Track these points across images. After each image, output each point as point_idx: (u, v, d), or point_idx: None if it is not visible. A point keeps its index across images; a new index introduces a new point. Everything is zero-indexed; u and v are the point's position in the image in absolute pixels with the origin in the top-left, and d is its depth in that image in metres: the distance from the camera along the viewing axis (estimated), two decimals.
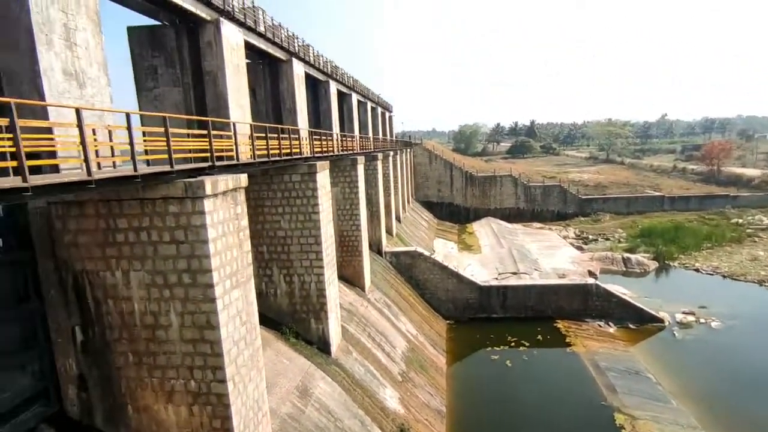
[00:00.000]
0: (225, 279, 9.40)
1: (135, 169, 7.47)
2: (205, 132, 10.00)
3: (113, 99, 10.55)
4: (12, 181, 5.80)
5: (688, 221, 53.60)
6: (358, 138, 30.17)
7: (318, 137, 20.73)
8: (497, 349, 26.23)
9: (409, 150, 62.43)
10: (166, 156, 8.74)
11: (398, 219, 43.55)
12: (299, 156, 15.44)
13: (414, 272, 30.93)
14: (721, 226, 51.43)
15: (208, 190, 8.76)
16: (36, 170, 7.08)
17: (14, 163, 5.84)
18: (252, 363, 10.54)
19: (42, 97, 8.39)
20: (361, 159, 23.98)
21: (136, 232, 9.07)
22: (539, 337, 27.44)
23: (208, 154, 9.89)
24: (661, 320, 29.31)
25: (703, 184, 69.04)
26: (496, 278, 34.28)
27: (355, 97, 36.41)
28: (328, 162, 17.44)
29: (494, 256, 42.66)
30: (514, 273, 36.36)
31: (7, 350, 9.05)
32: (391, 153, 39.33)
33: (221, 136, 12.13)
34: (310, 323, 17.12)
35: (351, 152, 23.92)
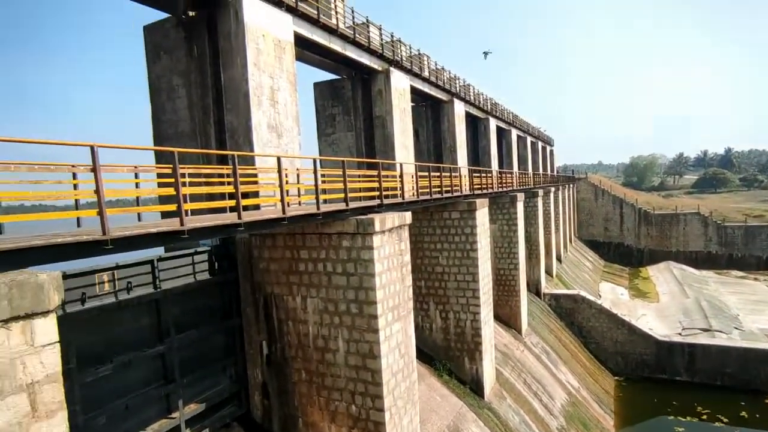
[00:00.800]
0: (388, 311, 9.87)
1: (318, 208, 8.48)
2: (375, 173, 10.87)
3: (301, 145, 12.28)
4: (231, 218, 7.09)
5: None
6: (517, 174, 29.30)
7: (477, 174, 20.79)
8: (682, 420, 21.97)
9: (571, 185, 58.20)
10: (340, 195, 9.74)
11: (559, 259, 40.46)
12: (459, 194, 15.65)
13: (576, 318, 28.12)
14: None
15: (377, 227, 9.42)
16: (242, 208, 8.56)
17: (233, 203, 7.15)
18: (408, 396, 10.72)
19: (252, 148, 10.19)
20: (520, 196, 23.18)
21: (315, 263, 10.17)
22: (743, 413, 22.18)
23: (377, 193, 10.69)
24: None
25: None
26: (680, 333, 29.04)
27: (514, 133, 35.77)
28: (487, 199, 17.29)
29: (677, 306, 36.34)
30: (705, 330, 30.32)
31: (214, 357, 10.86)
32: (552, 189, 37.15)
33: (387, 176, 13.04)
34: (463, 362, 16.77)
35: (510, 189, 23.33)
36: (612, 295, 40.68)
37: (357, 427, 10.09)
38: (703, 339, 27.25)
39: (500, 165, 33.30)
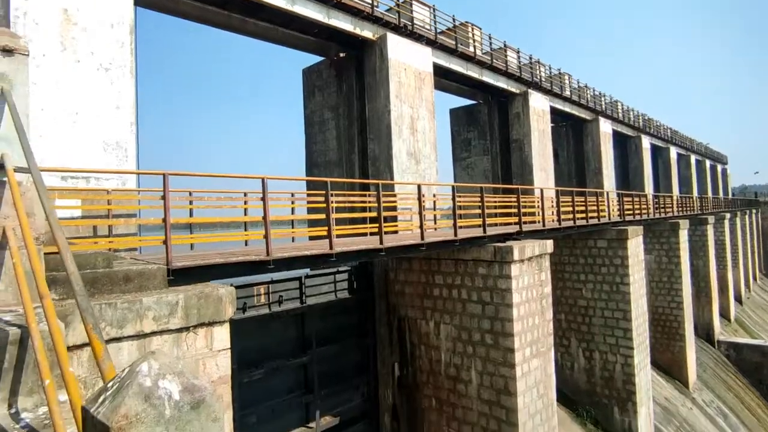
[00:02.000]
0: (526, 346, 9.27)
1: (455, 234, 8.43)
2: (513, 197, 10.46)
3: (438, 171, 12.46)
4: (374, 243, 7.43)
5: None
6: (677, 197, 25.49)
7: (628, 198, 18.65)
8: None
9: (754, 211, 48.52)
10: (478, 221, 9.55)
11: (739, 300, 33.71)
12: (606, 221, 14.15)
13: (765, 375, 22.91)
14: None
15: (516, 256, 8.99)
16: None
17: (374, 227, 7.51)
18: None
19: (392, 174, 10.65)
20: (684, 223, 19.99)
21: (449, 289, 10.09)
22: None
23: (516, 219, 10.25)
24: None
25: None
26: None
27: (673, 150, 31.47)
28: (641, 227, 15.35)
29: None
30: None
31: (349, 374, 11.37)
32: (727, 215, 31.38)
33: (526, 203, 12.45)
34: (612, 411, 14.82)
35: (670, 215, 20.37)
36: None
37: None
38: None
39: (656, 188, 29.43)
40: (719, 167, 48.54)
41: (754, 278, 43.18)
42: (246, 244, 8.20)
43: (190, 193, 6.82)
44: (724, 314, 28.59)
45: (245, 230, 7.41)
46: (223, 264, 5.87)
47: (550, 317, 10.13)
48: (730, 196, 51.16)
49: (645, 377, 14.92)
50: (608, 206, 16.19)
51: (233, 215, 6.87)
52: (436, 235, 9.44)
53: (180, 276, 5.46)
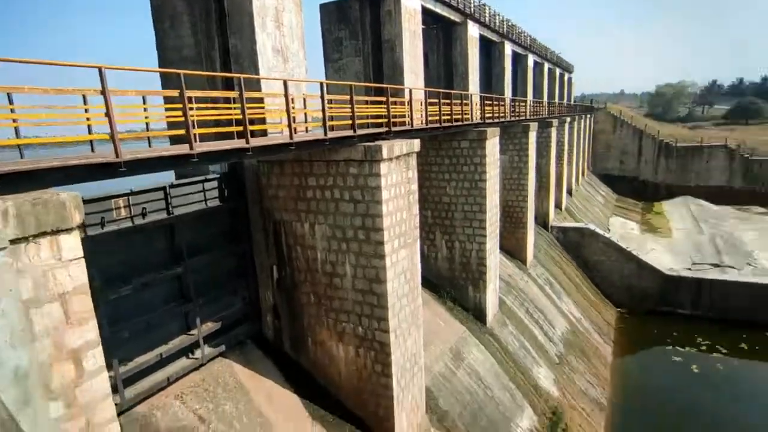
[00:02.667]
0: (394, 238, 10.09)
1: (325, 134, 8.41)
2: (383, 99, 10.61)
3: (307, 70, 11.92)
4: (240, 143, 7.10)
5: None
6: (531, 103, 28.23)
7: (489, 102, 20.13)
8: (681, 349, 22.85)
9: (589, 116, 56.16)
10: (347, 122, 9.60)
11: (569, 192, 40.12)
12: (469, 122, 15.26)
13: (583, 251, 28.46)
14: None
15: (385, 155, 9.38)
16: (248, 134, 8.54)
17: (240, 128, 7.13)
18: (412, 319, 11.25)
19: (257, 73, 9.93)
20: (533, 126, 22.51)
21: (322, 190, 10.29)
22: (743, 345, 22.93)
23: (385, 120, 10.51)
24: None
25: None
26: (689, 269, 29.35)
27: (531, 58, 34.04)
28: (498, 129, 16.90)
29: (689, 242, 36.40)
30: (716, 265, 30.56)
31: (227, 280, 11.37)
32: (568, 119, 35.92)
33: (396, 103, 12.73)
34: (467, 290, 17.35)
35: (523, 118, 22.62)
36: (622, 229, 40.72)
37: (363, 346, 10.73)
38: (711, 274, 27.53)
39: (514, 93, 32.05)
40: (566, 76, 54.24)
41: (583, 174, 51.40)
42: (92, 150, 7.25)
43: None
44: (558, 204, 34.02)
45: (89, 133, 6.51)
46: (61, 167, 5.18)
47: (416, 212, 11.04)
48: (572, 102, 58.10)
49: (494, 260, 17.50)
50: (471, 109, 17.32)
51: (71, 113, 5.86)
52: (307, 136, 9.32)
53: (6, 184, 4.74)
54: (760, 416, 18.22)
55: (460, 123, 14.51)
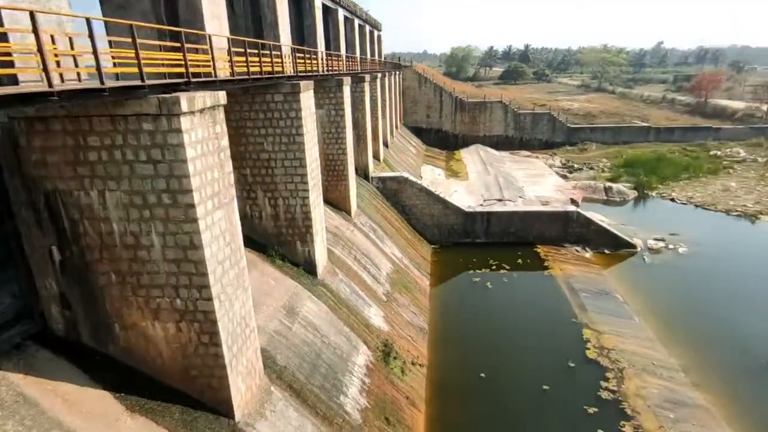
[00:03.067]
0: (207, 199, 9.25)
1: (102, 82, 6.95)
2: (178, 45, 9.28)
3: (71, 5, 9.64)
4: None
5: (671, 152, 53.97)
6: (344, 58, 28.66)
7: (302, 55, 19.60)
8: (479, 271, 27.21)
9: (398, 73, 59.97)
10: (136, 70, 8.14)
11: (386, 144, 42.86)
12: (281, 74, 14.61)
13: (400, 198, 31.08)
14: (700, 158, 52.00)
15: (185, 107, 8.31)
16: None
17: None
18: (238, 282, 10.72)
19: None
20: (347, 80, 22.93)
21: (110, 151, 8.70)
22: (519, 260, 28.43)
23: (183, 70, 9.26)
24: (634, 246, 30.37)
25: (690, 116, 68.57)
26: (481, 204, 34.69)
27: (341, 13, 34.14)
28: (312, 82, 16.66)
29: (481, 183, 42.86)
30: (499, 200, 36.78)
31: None
32: (380, 75, 37.70)
33: (197, 50, 11.36)
34: (296, 246, 17.32)
35: (337, 72, 22.79)
36: (431, 176, 45.62)
37: (185, 319, 9.85)
38: (497, 207, 33.06)
39: (327, 48, 32.01)
40: (376, 33, 56.34)
41: (396, 127, 55.41)
42: None
43: None
44: (376, 156, 36.14)
45: None
46: None
47: (230, 170, 10.26)
48: (382, 59, 61.02)
49: (319, 213, 17.75)
50: (283, 62, 16.61)
51: None
52: (77, 85, 7.62)
53: None
54: (529, 305, 23.43)
55: (271, 75, 13.74)
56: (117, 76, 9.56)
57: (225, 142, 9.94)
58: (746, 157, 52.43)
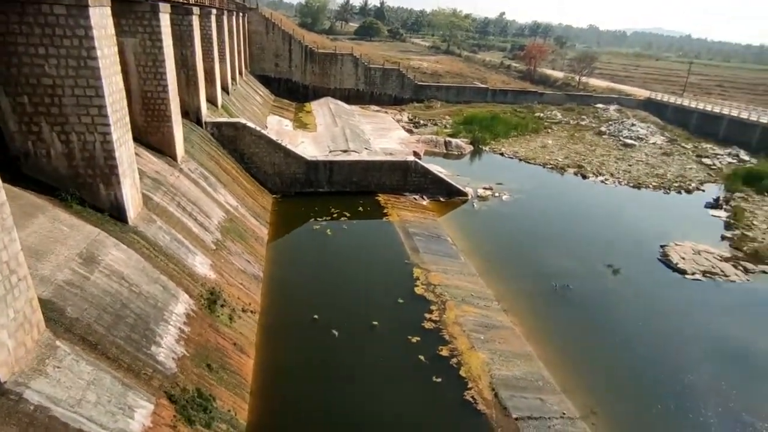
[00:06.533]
0: None
1: None
2: None
3: None
4: None
5: (504, 113, 60.70)
6: None
7: None
8: (320, 220, 27.61)
9: (242, 15, 55.44)
10: None
11: (226, 90, 39.80)
12: None
13: (238, 145, 29.44)
14: (527, 119, 59.60)
15: None
16: None
17: None
18: None
19: None
20: (165, 7, 20.18)
21: None
22: (360, 209, 29.56)
23: None
24: (466, 194, 33.90)
25: (521, 81, 77.70)
26: (327, 155, 34.87)
27: None
28: None
29: (328, 135, 42.93)
30: (345, 151, 37.40)
31: None
32: (214, 11, 34.28)
33: None
34: (98, 189, 15.22)
35: None
36: (278, 126, 44.14)
37: None
38: (340, 157, 33.55)
39: None
40: None
41: (241, 74, 51.80)
42: None
43: None
44: (212, 101, 33.40)
45: None
46: None
47: None
48: None
49: (126, 151, 15.77)
50: None
51: None
52: None
53: None
54: (366, 250, 24.87)
55: None
56: None
57: None
58: (561, 120, 61.61)
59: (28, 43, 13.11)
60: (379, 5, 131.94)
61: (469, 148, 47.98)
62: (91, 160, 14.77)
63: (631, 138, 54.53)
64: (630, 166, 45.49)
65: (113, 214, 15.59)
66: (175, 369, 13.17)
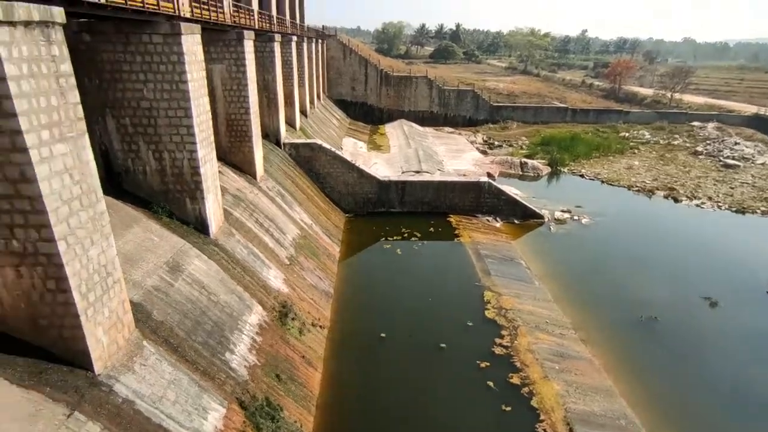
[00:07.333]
0: (41, 128, 8.33)
1: None
2: None
3: None
4: None
5: (585, 133, 57.63)
6: (257, 14, 27.19)
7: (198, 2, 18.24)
8: (390, 239, 27.60)
9: (321, 42, 58.44)
10: None
11: (304, 113, 41.81)
12: (156, 10, 13.32)
13: (314, 165, 30.56)
14: (610, 139, 56.03)
15: (0, 16, 7.34)
16: None
17: None
18: (94, 227, 9.90)
19: None
20: (249, 35, 21.78)
21: None
22: (431, 229, 29.18)
23: None
24: (542, 217, 32.26)
25: (604, 100, 73.62)
26: (399, 176, 35.06)
27: None
28: (198, 26, 15.55)
29: (401, 156, 43.30)
30: (417, 171, 37.39)
31: None
32: (295, 38, 36.39)
33: None
34: (185, 203, 16.41)
35: (236, 25, 21.53)
36: (353, 148, 45.36)
37: (25, 263, 8.94)
38: (412, 177, 33.56)
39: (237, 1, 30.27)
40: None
41: (319, 98, 54.27)
42: None
43: None
44: (290, 123, 35.17)
45: None
46: None
47: (75, 101, 9.29)
48: (304, 24, 59.08)
49: (211, 169, 16.90)
50: (177, 4, 15.21)
51: None
52: None
53: None
54: (436, 271, 24.22)
55: (140, 9, 12.43)
56: None
57: (66, 67, 8.97)
58: (650, 139, 57.24)
59: (131, 70, 14.63)
60: (454, 28, 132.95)
61: (547, 169, 45.93)
62: (179, 176, 15.98)
63: (733, 158, 49.04)
64: (732, 188, 40.73)
65: (197, 227, 16.67)
66: (247, 376, 13.52)
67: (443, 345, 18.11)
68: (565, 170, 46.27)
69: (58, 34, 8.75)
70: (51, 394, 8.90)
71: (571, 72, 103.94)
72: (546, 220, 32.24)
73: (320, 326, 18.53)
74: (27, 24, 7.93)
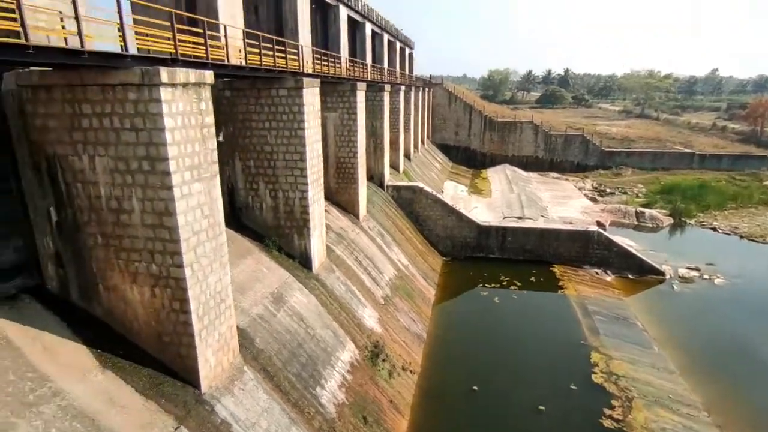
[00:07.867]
0: (184, 170, 9.75)
1: (82, 44, 7.61)
2: (194, 30, 9.93)
3: None
4: None
5: (717, 180, 51.40)
6: (370, 68, 29.42)
7: (319, 58, 20.31)
8: (488, 286, 26.70)
9: (428, 90, 60.64)
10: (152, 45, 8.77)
11: (408, 157, 43.20)
12: (285, 69, 15.21)
13: (414, 207, 31.14)
14: (750, 188, 49.16)
15: (165, 79, 8.90)
16: None
17: None
18: (215, 256, 11.11)
19: None
20: (361, 86, 23.52)
21: (100, 118, 9.39)
22: (533, 279, 27.70)
23: (172, 50, 9.90)
24: (662, 273, 28.95)
25: (741, 144, 65.42)
26: (501, 221, 34.19)
27: (368, 27, 35.18)
28: (318, 80, 17.24)
29: (503, 200, 42.32)
30: (519, 217, 36.16)
31: None
32: (403, 87, 38.30)
33: (198, 34, 12.03)
34: (293, 238, 17.70)
35: (351, 77, 23.42)
36: (453, 191, 45.49)
37: (158, 285, 10.30)
38: (514, 223, 32.50)
39: (353, 57, 32.92)
40: (407, 51, 57.47)
41: (423, 142, 55.79)
42: None
43: None
44: (394, 166, 36.50)
45: None
46: None
47: (213, 147, 10.77)
48: (413, 74, 62.04)
49: (318, 208, 18.11)
50: (300, 60, 17.10)
51: None
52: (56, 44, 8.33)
53: None
54: (536, 324, 22.67)
55: (271, 68, 14.33)
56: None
57: (210, 119, 10.49)
58: None
59: (259, 120, 16.58)
60: (563, 73, 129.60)
61: (668, 220, 41.39)
62: (290, 213, 17.38)
63: None
64: None
65: (301, 261, 17.80)
66: (334, 414, 13.72)
67: (542, 407, 16.69)
68: (692, 222, 41.31)
69: (207, 92, 10.32)
70: (164, 406, 9.89)
71: (698, 115, 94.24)
72: (668, 277, 28.81)
73: (410, 371, 18.28)
74: (185, 85, 9.50)
